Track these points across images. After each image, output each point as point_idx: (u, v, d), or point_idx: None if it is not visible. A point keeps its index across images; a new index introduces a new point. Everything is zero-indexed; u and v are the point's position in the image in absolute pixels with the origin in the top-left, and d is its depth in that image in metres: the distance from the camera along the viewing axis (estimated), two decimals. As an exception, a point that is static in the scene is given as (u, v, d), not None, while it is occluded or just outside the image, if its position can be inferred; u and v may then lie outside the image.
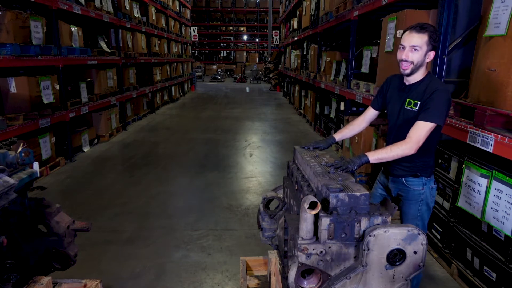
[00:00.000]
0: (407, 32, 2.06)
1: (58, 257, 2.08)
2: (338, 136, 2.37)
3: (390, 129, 2.27)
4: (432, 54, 2.04)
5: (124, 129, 8.35)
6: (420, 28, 2.00)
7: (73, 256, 2.10)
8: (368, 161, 1.95)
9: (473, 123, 2.56)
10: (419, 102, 2.04)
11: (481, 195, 2.55)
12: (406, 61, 2.04)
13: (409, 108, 2.09)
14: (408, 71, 2.06)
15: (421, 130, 1.96)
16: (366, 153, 1.97)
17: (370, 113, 2.38)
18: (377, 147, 4.21)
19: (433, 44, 2.02)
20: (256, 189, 4.73)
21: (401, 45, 2.07)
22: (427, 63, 2.08)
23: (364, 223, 1.46)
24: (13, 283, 1.79)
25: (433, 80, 2.08)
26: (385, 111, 2.34)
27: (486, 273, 2.52)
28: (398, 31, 3.68)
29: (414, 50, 2.02)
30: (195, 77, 19.47)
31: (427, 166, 2.15)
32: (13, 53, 4.35)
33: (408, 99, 2.11)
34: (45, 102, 5.06)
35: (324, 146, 2.20)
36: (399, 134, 2.13)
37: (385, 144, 2.26)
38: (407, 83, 2.16)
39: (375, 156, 1.97)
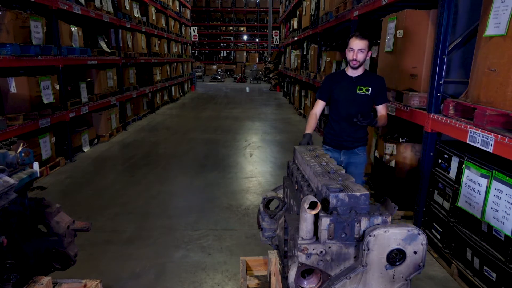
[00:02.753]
0: (353, 39, 2.85)
1: (58, 257, 2.08)
2: (310, 130, 3.03)
3: (342, 109, 3.00)
4: (369, 53, 2.92)
5: (124, 129, 8.35)
6: (362, 35, 2.85)
7: (73, 256, 2.10)
8: (376, 124, 2.91)
9: (473, 123, 2.56)
10: (370, 88, 2.92)
11: (481, 195, 2.55)
12: (356, 60, 2.86)
13: (362, 93, 2.93)
14: (356, 66, 2.90)
15: (386, 109, 3.01)
16: (376, 119, 2.86)
17: (321, 105, 3.17)
18: (377, 147, 4.21)
19: (370, 47, 2.91)
20: (256, 189, 4.73)
21: (351, 48, 2.86)
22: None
23: (364, 223, 1.46)
24: (13, 283, 1.78)
25: (375, 74, 3.13)
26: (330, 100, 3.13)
27: (486, 273, 2.52)
28: (398, 31, 3.68)
29: (360, 52, 2.84)
30: (195, 77, 19.47)
31: (366, 136, 3.10)
32: (13, 53, 4.35)
33: (358, 87, 2.94)
34: (45, 102, 5.06)
35: (304, 142, 2.74)
36: (350, 112, 2.92)
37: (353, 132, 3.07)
38: (353, 76, 2.97)
39: (380, 122, 2.93)
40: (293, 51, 12.29)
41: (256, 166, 5.71)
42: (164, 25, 12.62)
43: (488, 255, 2.49)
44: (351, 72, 2.97)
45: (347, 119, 2.96)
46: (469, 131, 2.56)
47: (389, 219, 1.48)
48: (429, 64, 3.35)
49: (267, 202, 2.19)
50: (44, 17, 5.11)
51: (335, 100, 3.05)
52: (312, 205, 1.40)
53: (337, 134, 3.05)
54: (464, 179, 2.75)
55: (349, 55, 2.88)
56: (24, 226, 1.98)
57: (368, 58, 2.92)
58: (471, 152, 2.76)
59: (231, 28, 31.00)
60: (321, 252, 1.46)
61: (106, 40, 7.82)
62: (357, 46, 2.83)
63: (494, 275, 2.44)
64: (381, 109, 2.98)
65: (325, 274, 1.50)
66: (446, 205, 3.04)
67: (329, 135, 3.14)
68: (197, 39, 23.65)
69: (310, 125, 3.07)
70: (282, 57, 16.41)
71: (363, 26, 5.72)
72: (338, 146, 3.07)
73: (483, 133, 2.41)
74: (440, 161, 3.18)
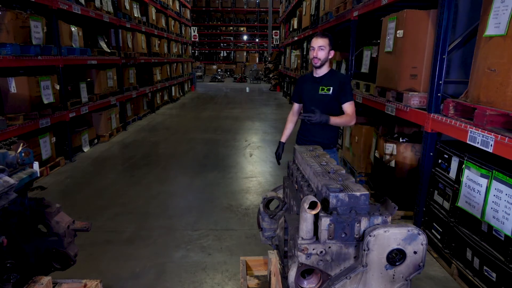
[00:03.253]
0: (314, 38, 2.87)
1: (58, 257, 2.08)
2: (284, 138, 3.26)
3: (308, 109, 2.98)
4: (332, 53, 2.89)
5: (124, 129, 8.35)
6: (322, 34, 2.88)
7: (73, 256, 2.10)
8: (328, 121, 2.77)
9: (473, 123, 2.56)
10: (331, 88, 2.88)
11: (481, 195, 2.55)
12: (316, 57, 2.85)
13: (324, 93, 2.90)
14: (318, 65, 2.88)
15: (351, 107, 2.89)
16: (330, 117, 2.77)
17: (296, 107, 3.22)
18: (377, 146, 4.21)
19: (332, 45, 2.87)
20: (256, 189, 4.73)
21: (312, 47, 2.87)
22: (330, 60, 2.94)
23: (364, 223, 1.46)
24: (13, 283, 1.78)
25: (338, 73, 3.02)
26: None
27: (486, 273, 2.52)
28: (398, 31, 3.68)
29: (321, 50, 2.83)
30: (195, 77, 19.47)
31: (335, 138, 3.06)
32: (13, 53, 4.35)
33: (321, 87, 2.92)
34: (45, 102, 5.06)
35: (276, 151, 3.16)
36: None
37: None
38: (317, 76, 2.96)
39: (334, 120, 2.81)
40: (293, 51, 12.30)
41: (256, 166, 5.71)
42: (164, 25, 12.62)
43: (488, 255, 2.49)
44: (315, 73, 2.99)
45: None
46: (469, 131, 2.56)
47: (389, 219, 1.48)
48: (429, 64, 3.35)
49: (267, 202, 2.19)
50: (44, 17, 5.11)
51: (303, 101, 3.11)
52: (312, 205, 1.40)
53: (304, 134, 3.10)
54: (464, 179, 2.75)
55: (311, 54, 2.90)
56: (24, 226, 1.98)
57: (330, 57, 2.89)
58: (471, 152, 2.76)
59: (231, 28, 31.00)
60: (321, 252, 1.46)
61: (106, 40, 7.82)
62: (317, 44, 2.83)
63: (494, 275, 2.44)
64: (345, 108, 2.91)
65: (325, 274, 1.50)
66: (446, 205, 3.04)
67: (299, 135, 3.20)
68: (197, 39, 23.65)
69: (285, 133, 3.26)
70: (282, 57, 16.41)
71: (363, 26, 5.72)
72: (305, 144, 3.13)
73: (483, 133, 2.41)
74: (440, 161, 3.18)
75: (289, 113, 3.28)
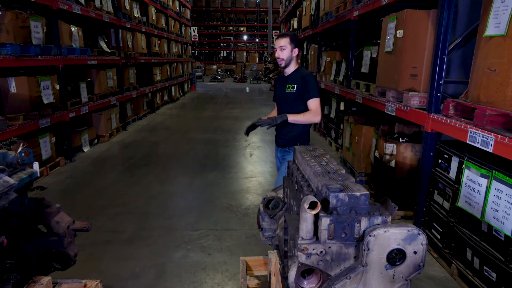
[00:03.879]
0: (276, 39, 2.95)
1: (58, 257, 2.08)
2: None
3: (279, 109, 3.09)
4: (296, 51, 2.93)
5: (124, 129, 8.35)
6: (283, 34, 2.95)
7: (73, 256, 2.10)
8: (287, 120, 2.80)
9: (473, 123, 2.56)
10: (295, 85, 2.91)
11: (481, 195, 2.55)
12: (279, 58, 2.91)
13: (289, 91, 2.94)
14: (283, 65, 2.95)
15: (315, 104, 2.88)
16: (287, 115, 2.81)
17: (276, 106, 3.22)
18: (377, 146, 4.21)
19: (295, 44, 2.90)
20: (256, 189, 4.73)
21: (274, 48, 2.94)
22: (296, 58, 2.98)
23: (364, 223, 1.45)
24: (13, 283, 1.78)
25: (302, 70, 3.01)
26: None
27: (486, 273, 2.52)
28: (398, 31, 3.68)
29: (282, 50, 2.89)
30: (195, 77, 19.46)
31: (302, 135, 2.99)
32: (13, 53, 4.35)
33: (287, 85, 2.96)
34: (45, 102, 5.06)
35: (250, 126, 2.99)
36: (284, 110, 2.96)
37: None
38: (286, 75, 3.03)
39: (292, 118, 2.82)
40: (293, 51, 12.28)
41: (256, 166, 5.71)
42: (164, 25, 12.62)
43: (488, 255, 2.49)
44: (284, 72, 3.04)
45: (281, 112, 3.03)
46: (469, 131, 2.56)
47: (389, 219, 1.48)
48: (429, 64, 3.35)
49: (267, 202, 2.18)
50: (44, 17, 5.11)
51: (276, 96, 3.18)
52: (312, 205, 1.40)
53: (277, 134, 3.15)
54: (464, 179, 2.75)
55: (275, 55, 2.96)
56: (24, 226, 1.98)
57: (294, 56, 2.93)
58: (471, 152, 2.76)
59: (231, 28, 30.99)
60: (321, 252, 1.46)
61: (106, 40, 7.82)
62: (278, 45, 2.90)
63: (494, 275, 2.44)
64: (308, 105, 2.90)
65: (325, 274, 1.50)
66: (446, 205, 3.04)
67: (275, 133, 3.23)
68: (197, 39, 23.66)
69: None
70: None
71: (363, 26, 5.72)
72: (276, 143, 3.17)
73: (483, 133, 2.41)
74: (440, 161, 3.18)
75: (274, 111, 3.30)
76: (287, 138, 3.01)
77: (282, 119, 2.78)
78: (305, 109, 2.92)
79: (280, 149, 3.12)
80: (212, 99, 14.75)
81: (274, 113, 3.24)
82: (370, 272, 1.46)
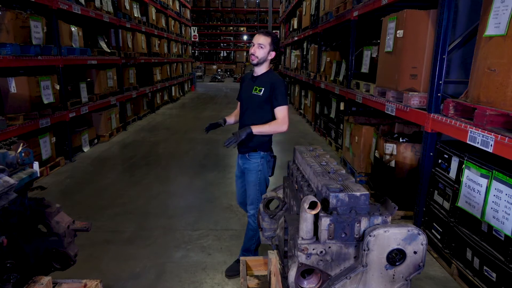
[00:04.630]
0: (257, 34, 2.71)
1: (58, 257, 2.08)
2: (227, 118, 2.97)
3: (243, 110, 2.83)
4: (273, 54, 2.71)
5: (124, 129, 8.35)
6: (266, 32, 2.71)
7: (73, 256, 2.10)
8: (251, 133, 2.59)
9: (473, 123, 2.56)
10: (262, 89, 2.69)
11: (481, 195, 2.55)
12: (254, 55, 2.67)
13: (255, 93, 2.71)
14: (255, 62, 2.69)
15: (282, 112, 2.66)
16: (251, 126, 2.60)
17: (239, 105, 2.95)
18: (377, 146, 4.21)
19: (274, 47, 2.70)
20: (256, 189, 4.72)
21: (252, 43, 2.70)
22: (270, 61, 2.76)
23: (364, 223, 1.46)
24: (13, 283, 1.78)
25: (272, 75, 2.76)
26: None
27: (486, 273, 2.52)
28: (398, 31, 3.68)
29: (260, 48, 2.65)
30: (195, 77, 19.47)
31: (263, 142, 2.75)
32: (13, 53, 4.35)
33: (255, 86, 2.73)
34: (45, 102, 5.06)
35: (212, 124, 2.87)
36: (249, 113, 2.76)
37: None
38: (255, 75, 2.78)
39: (257, 129, 2.62)
40: (293, 51, 12.29)
41: (256, 166, 5.70)
42: (164, 25, 12.62)
43: (488, 255, 2.49)
44: (254, 71, 2.81)
45: (246, 116, 2.79)
46: (469, 131, 2.56)
47: (389, 219, 1.48)
48: (429, 64, 3.35)
49: (267, 202, 2.19)
50: (44, 17, 5.11)
51: (240, 99, 2.91)
52: (312, 205, 1.40)
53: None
54: (464, 179, 2.75)
55: (250, 50, 2.72)
56: (24, 226, 1.98)
57: (269, 58, 2.71)
58: (471, 152, 2.76)
59: (231, 28, 30.98)
60: (321, 252, 1.46)
61: (106, 40, 7.82)
62: (257, 41, 2.66)
63: (494, 275, 2.44)
64: (276, 113, 2.68)
65: (325, 274, 1.50)
66: (446, 205, 3.04)
67: None
68: (197, 39, 23.64)
69: (229, 116, 3.00)
70: (282, 57, 16.40)
71: (363, 26, 5.72)
72: (238, 150, 2.86)
73: (483, 133, 2.41)
74: (440, 161, 3.18)
75: (236, 110, 3.01)
76: (249, 145, 2.74)
77: (246, 132, 2.56)
78: (268, 115, 2.71)
79: (241, 156, 2.83)
80: (212, 99, 14.75)
81: (236, 113, 2.97)
82: (370, 272, 1.46)
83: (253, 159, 2.75)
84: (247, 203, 2.86)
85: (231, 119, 2.97)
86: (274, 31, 21.13)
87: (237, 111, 2.98)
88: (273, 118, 2.71)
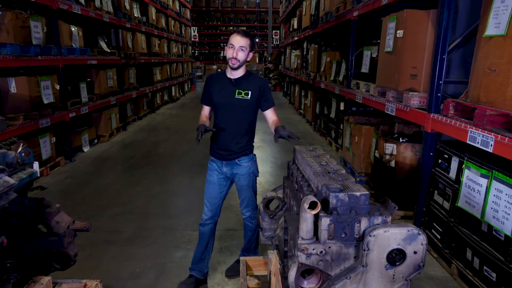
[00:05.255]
0: (234, 35, 2.53)
1: (58, 257, 2.08)
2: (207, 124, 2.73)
3: (223, 115, 2.64)
4: (251, 55, 2.59)
5: (124, 129, 8.35)
6: (244, 33, 2.54)
7: (73, 256, 2.10)
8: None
9: (473, 123, 2.56)
10: (250, 92, 2.58)
11: (481, 195, 2.55)
12: (235, 58, 2.51)
13: (241, 97, 2.58)
14: (235, 66, 2.54)
15: (275, 113, 2.68)
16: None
17: (206, 110, 2.76)
18: (377, 146, 4.21)
19: (251, 48, 2.58)
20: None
21: (231, 45, 2.51)
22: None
23: (364, 223, 1.46)
24: (13, 283, 1.78)
25: (255, 77, 2.70)
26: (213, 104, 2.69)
27: (486, 273, 2.52)
28: (398, 31, 3.68)
29: (241, 50, 2.51)
30: (195, 77, 19.47)
31: (251, 144, 2.73)
32: (13, 53, 4.35)
33: (237, 90, 2.59)
34: (45, 102, 5.06)
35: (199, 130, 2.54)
36: (232, 118, 2.61)
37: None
38: (233, 78, 2.61)
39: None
40: (293, 51, 12.30)
41: (256, 166, 5.71)
42: (164, 25, 12.62)
43: (488, 255, 2.49)
44: (230, 74, 2.61)
45: (227, 121, 2.63)
46: (469, 131, 2.56)
47: (389, 219, 1.48)
48: (429, 64, 3.35)
49: (267, 202, 2.19)
50: (44, 17, 5.11)
51: (214, 105, 2.67)
52: (312, 205, 1.40)
53: (217, 143, 2.70)
54: (464, 179, 2.75)
55: (229, 53, 2.53)
56: (24, 226, 1.98)
57: (249, 59, 2.59)
58: (471, 152, 2.76)
59: (231, 28, 30.93)
60: (321, 252, 1.46)
61: (106, 40, 7.82)
62: (238, 43, 2.48)
63: (494, 275, 2.44)
64: (270, 114, 2.66)
65: (325, 274, 1.50)
66: (446, 205, 3.04)
67: (212, 143, 2.76)
68: (197, 39, 23.65)
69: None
70: (282, 57, 16.41)
71: (363, 26, 5.72)
72: (219, 157, 2.71)
73: (483, 133, 2.41)
74: (440, 161, 3.18)
75: (201, 116, 2.75)
76: (235, 150, 2.63)
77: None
78: (253, 118, 2.66)
79: (226, 163, 2.68)
80: (212, 99, 14.73)
81: (204, 120, 2.71)
82: (370, 272, 1.46)
83: (245, 163, 2.68)
84: (240, 207, 2.83)
85: (207, 123, 2.72)
86: (274, 31, 20.97)
87: (205, 117, 2.74)
88: (255, 120, 2.69)
